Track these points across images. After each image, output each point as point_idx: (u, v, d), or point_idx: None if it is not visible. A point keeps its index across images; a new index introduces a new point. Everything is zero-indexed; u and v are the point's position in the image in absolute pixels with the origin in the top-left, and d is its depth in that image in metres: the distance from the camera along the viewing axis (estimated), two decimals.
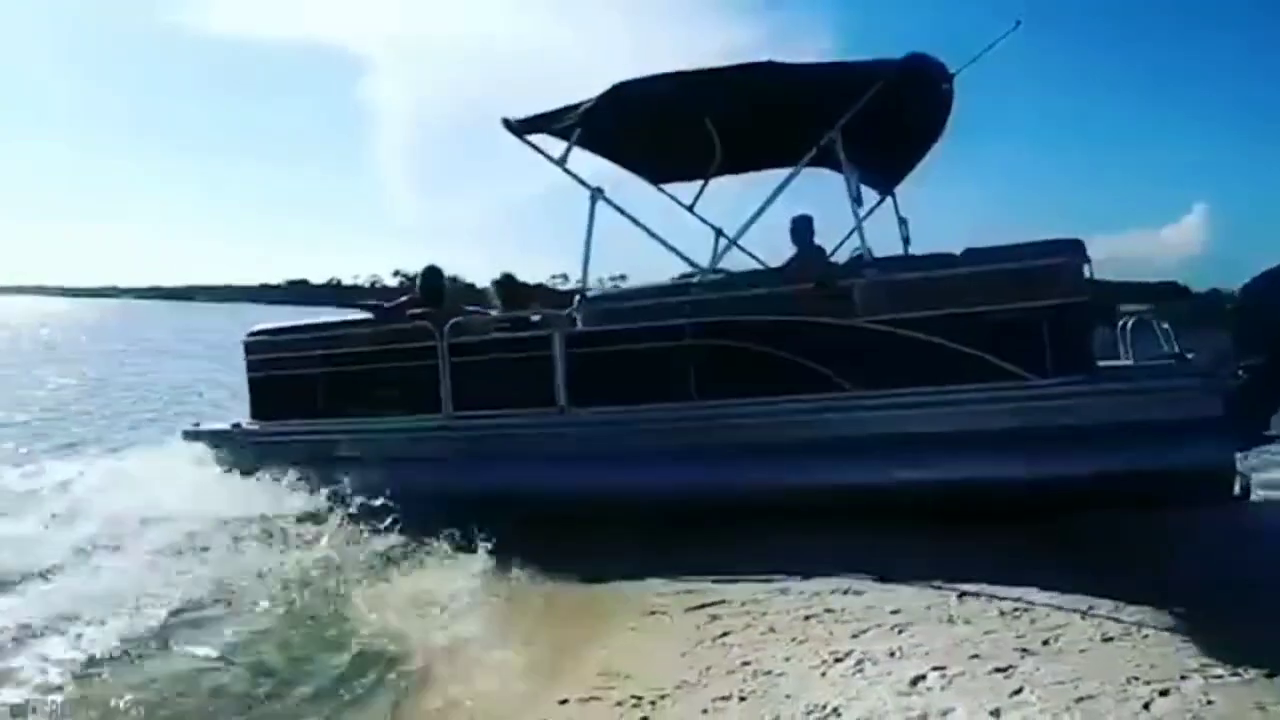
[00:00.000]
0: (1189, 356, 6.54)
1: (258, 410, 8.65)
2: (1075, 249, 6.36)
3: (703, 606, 5.16)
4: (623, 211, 7.52)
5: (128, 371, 25.72)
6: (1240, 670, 3.69)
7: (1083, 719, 3.29)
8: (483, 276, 8.55)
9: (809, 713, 3.56)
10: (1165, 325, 7.07)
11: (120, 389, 20.56)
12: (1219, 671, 3.70)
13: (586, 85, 7.34)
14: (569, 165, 7.68)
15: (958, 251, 6.55)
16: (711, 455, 6.70)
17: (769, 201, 7.50)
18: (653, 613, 5.20)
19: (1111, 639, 4.15)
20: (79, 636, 5.09)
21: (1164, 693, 3.48)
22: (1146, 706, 3.37)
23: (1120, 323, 7.31)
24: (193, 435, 9.20)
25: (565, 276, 37.09)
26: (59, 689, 4.47)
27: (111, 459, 10.36)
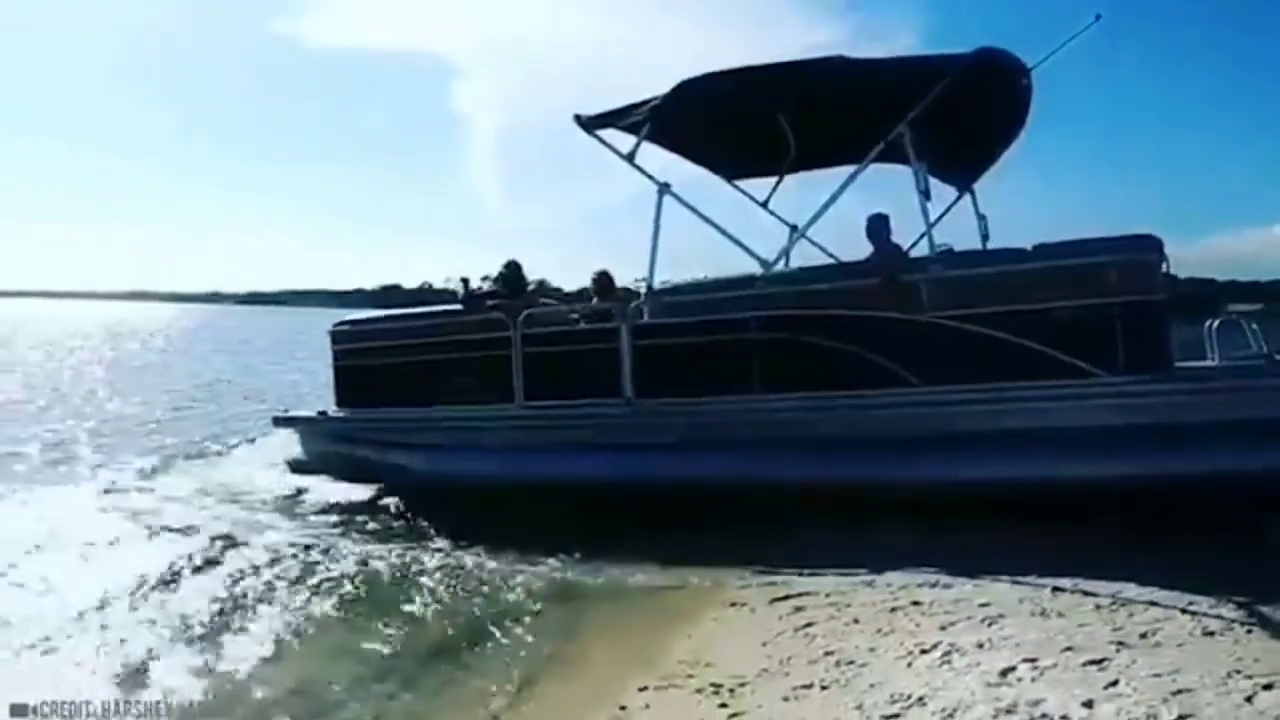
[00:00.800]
0: (1278, 358, 6.28)
1: (342, 398, 8.89)
2: (1150, 245, 6.18)
3: (786, 598, 5.10)
4: (689, 206, 7.55)
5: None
6: None
7: (1181, 711, 3.16)
8: (572, 281, 8.64)
9: (893, 701, 3.49)
10: (1255, 325, 6.77)
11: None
12: None
13: (666, 86, 7.38)
14: (639, 161, 7.76)
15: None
16: (775, 449, 6.64)
17: (836, 195, 7.47)
18: (734, 604, 5.16)
19: (1212, 633, 3.99)
20: None
21: (1268, 686, 3.32)
22: (1249, 699, 3.23)
23: (1208, 323, 7.04)
24: (282, 421, 9.58)
25: (646, 281, 36.88)
26: None
27: None
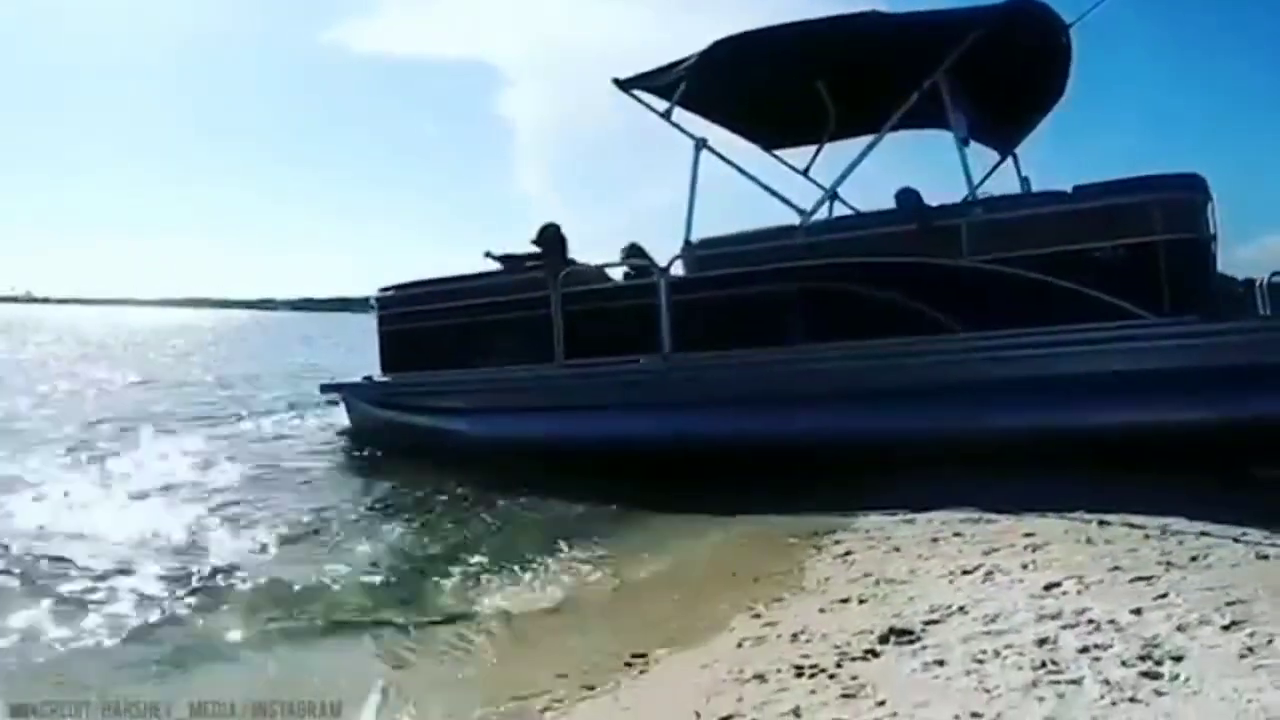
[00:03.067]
0: None
1: (387, 363, 9.00)
2: (1194, 183, 5.99)
3: (828, 533, 5.04)
4: (727, 160, 7.59)
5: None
6: None
7: (1235, 617, 3.04)
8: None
9: (932, 610, 3.40)
10: None
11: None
12: None
13: None
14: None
15: None
16: (817, 401, 6.55)
17: (867, 150, 7.33)
18: (780, 539, 5.09)
19: (1267, 557, 3.86)
20: None
21: None
22: None
23: (1260, 280, 6.81)
24: (330, 388, 9.74)
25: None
26: None
27: None
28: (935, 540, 4.57)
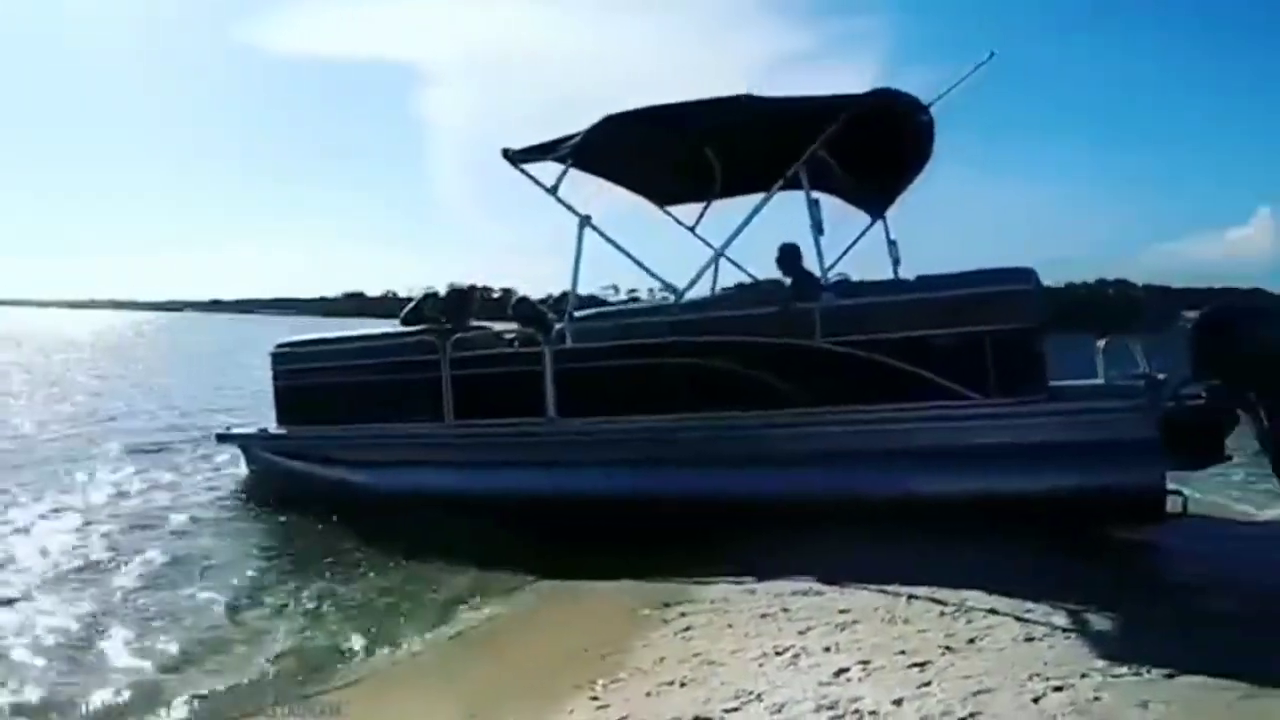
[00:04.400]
0: (1160, 377, 6.77)
1: (282, 416, 9.40)
2: (1024, 277, 6.71)
3: (677, 603, 5.59)
4: (607, 238, 8.06)
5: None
6: (1142, 670, 3.99)
7: (974, 709, 3.64)
8: (537, 289, 9.14)
9: (736, 697, 3.96)
10: (1138, 345, 7.26)
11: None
12: (1121, 670, 4.01)
13: (640, 97, 7.94)
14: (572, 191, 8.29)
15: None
16: (686, 466, 7.21)
17: (746, 222, 8.00)
18: (631, 610, 5.63)
19: (1033, 639, 4.48)
20: None
21: (1058, 688, 3.81)
22: (1036, 700, 3.70)
23: (1099, 343, 7.53)
24: (225, 438, 10.16)
25: (615, 288, 38.23)
26: None
27: None
28: (764, 616, 5.14)
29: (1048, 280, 7.33)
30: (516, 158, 8.19)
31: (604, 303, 8.57)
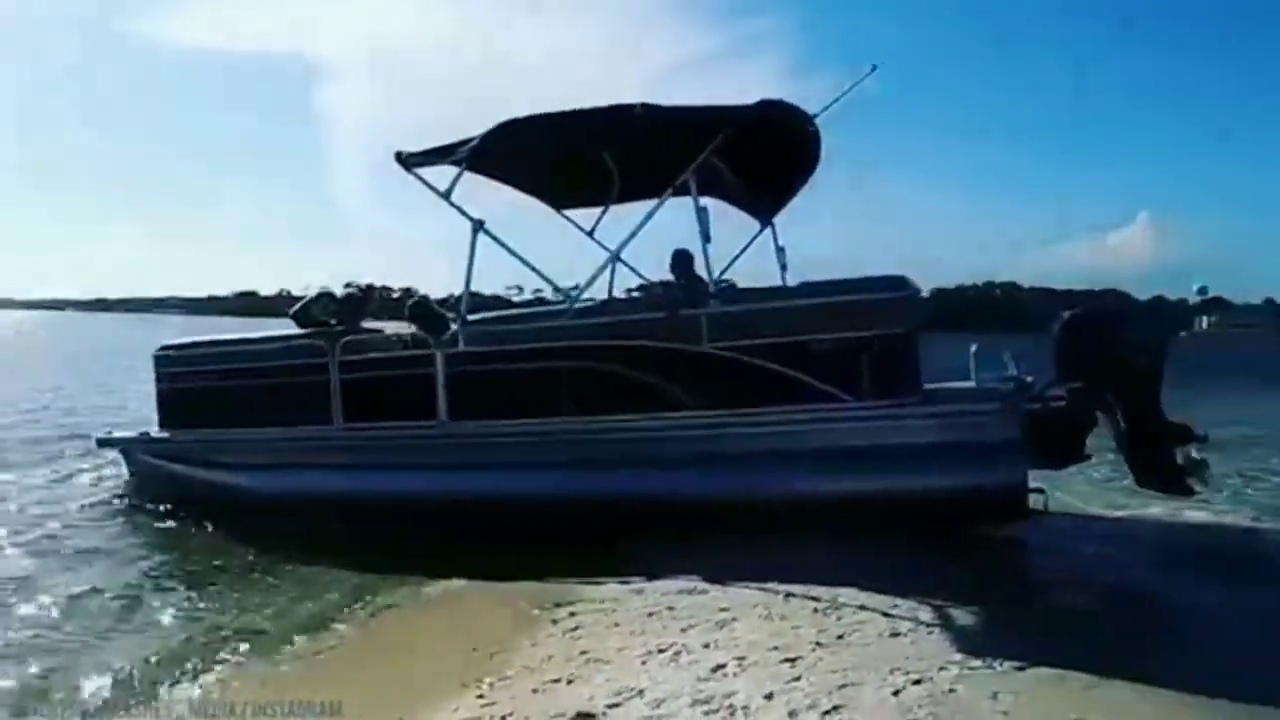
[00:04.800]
0: (1028, 380, 7.15)
1: (165, 420, 9.28)
2: (899, 284, 7.06)
3: (568, 603, 5.75)
4: (501, 242, 8.17)
5: None
6: (996, 663, 4.31)
7: (839, 701, 3.90)
8: (440, 288, 9.15)
9: (618, 693, 4.14)
10: (1007, 349, 7.61)
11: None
12: (977, 663, 4.33)
13: (548, 97, 8.01)
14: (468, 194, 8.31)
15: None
16: (575, 468, 7.37)
17: (639, 227, 8.24)
18: (523, 610, 5.77)
19: (898, 634, 4.79)
20: None
21: (917, 681, 4.10)
22: (896, 693, 3.98)
23: (972, 347, 7.90)
24: (106, 442, 9.95)
25: (520, 288, 38.29)
26: None
27: None
28: (650, 615, 5.33)
29: (942, 282, 7.73)
30: (410, 161, 8.17)
31: (508, 303, 8.68)
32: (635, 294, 8.99)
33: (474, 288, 8.54)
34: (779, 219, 9.39)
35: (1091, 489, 8.23)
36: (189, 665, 5.03)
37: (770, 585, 5.68)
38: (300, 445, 8.38)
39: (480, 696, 4.33)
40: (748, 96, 7.69)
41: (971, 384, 7.72)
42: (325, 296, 9.13)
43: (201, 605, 6.19)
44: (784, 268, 9.21)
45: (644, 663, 4.56)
